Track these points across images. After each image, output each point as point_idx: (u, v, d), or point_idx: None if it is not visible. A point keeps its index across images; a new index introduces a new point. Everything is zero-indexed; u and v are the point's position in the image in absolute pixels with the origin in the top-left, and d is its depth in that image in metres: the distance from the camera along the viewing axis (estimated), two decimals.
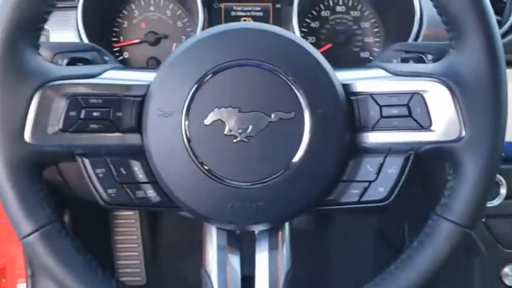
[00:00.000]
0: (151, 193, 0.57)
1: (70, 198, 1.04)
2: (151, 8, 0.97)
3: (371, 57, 0.98)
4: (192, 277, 1.38)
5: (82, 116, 0.55)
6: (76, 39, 0.86)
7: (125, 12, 0.96)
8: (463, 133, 0.54)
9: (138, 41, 0.96)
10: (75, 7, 0.86)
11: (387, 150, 0.57)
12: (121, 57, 0.97)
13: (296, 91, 0.54)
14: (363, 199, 0.57)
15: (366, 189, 0.57)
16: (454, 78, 0.54)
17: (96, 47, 0.68)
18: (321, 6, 0.97)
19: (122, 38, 0.97)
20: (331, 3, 0.98)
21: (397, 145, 0.56)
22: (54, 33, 0.85)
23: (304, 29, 0.97)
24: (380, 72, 0.59)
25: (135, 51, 0.97)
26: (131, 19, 0.97)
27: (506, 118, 0.54)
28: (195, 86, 0.54)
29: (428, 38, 0.86)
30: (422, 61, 0.63)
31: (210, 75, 0.54)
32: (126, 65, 0.97)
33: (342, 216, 1.32)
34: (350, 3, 0.98)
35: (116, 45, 0.96)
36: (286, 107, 0.54)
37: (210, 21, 0.96)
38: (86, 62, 0.64)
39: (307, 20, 0.97)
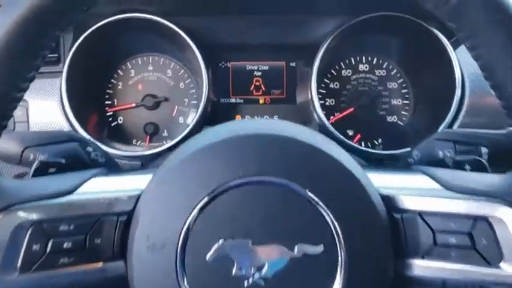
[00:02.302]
0: None
1: None
2: (150, 68, 0.85)
3: (399, 122, 0.86)
4: None
5: (48, 249, 0.42)
6: (58, 109, 0.74)
7: (120, 73, 0.85)
8: None
9: (134, 105, 0.85)
10: (59, 72, 0.75)
11: (441, 285, 0.44)
12: (115, 123, 0.85)
13: (325, 216, 0.41)
14: None
15: None
16: None
17: (76, 136, 0.56)
18: (342, 64, 0.86)
19: (116, 101, 0.85)
20: (353, 61, 0.86)
21: (454, 282, 0.44)
22: (34, 103, 0.74)
23: (322, 91, 0.85)
24: (427, 181, 0.46)
25: (131, 115, 0.85)
26: (127, 80, 0.85)
27: None
28: (195, 210, 0.41)
29: (473, 108, 0.74)
30: (480, 164, 0.51)
31: (213, 196, 0.42)
32: (120, 131, 0.85)
33: None
34: (374, 61, 0.86)
35: (109, 109, 0.85)
36: (312, 238, 0.41)
37: (216, 82, 0.84)
38: (61, 166, 0.51)
39: (326, 80, 0.85)
